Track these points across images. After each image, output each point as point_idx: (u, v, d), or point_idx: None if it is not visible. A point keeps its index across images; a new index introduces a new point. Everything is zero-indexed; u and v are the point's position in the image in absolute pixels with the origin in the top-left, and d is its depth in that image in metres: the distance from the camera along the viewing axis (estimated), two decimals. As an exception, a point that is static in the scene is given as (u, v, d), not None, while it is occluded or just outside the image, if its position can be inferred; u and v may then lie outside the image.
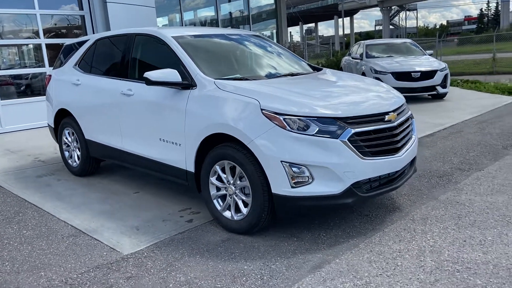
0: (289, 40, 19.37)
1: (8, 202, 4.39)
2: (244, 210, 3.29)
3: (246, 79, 3.68)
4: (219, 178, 3.44)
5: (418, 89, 10.06)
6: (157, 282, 2.71)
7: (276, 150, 3.02)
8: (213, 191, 3.50)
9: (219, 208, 3.47)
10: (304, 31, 70.11)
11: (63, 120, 5.21)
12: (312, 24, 77.10)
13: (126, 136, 4.26)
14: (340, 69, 14.00)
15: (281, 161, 3.00)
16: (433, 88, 9.99)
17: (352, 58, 12.32)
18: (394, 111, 3.36)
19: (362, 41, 13.24)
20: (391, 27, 59.90)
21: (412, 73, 9.95)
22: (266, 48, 4.62)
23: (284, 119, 3.03)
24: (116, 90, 4.28)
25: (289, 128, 3.01)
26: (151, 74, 3.55)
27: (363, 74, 10.80)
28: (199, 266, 2.89)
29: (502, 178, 4.41)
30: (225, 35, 4.49)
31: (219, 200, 3.49)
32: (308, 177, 3.02)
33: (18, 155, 6.38)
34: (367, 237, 3.24)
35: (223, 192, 3.44)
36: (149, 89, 3.87)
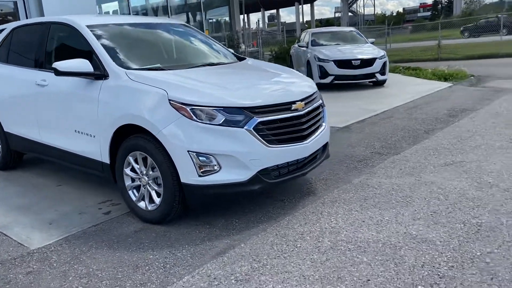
0: (241, 27, 19.28)
1: None
2: (157, 200, 3.35)
3: (162, 69, 3.70)
4: (133, 169, 3.47)
5: (359, 76, 10.37)
6: (57, 276, 2.73)
7: (183, 140, 3.08)
8: (128, 182, 3.52)
9: (134, 198, 3.51)
10: (266, 18, 69.80)
11: (-19, 113, 5.03)
12: (274, 11, 76.92)
13: (43, 128, 4.19)
14: (290, 56, 14.19)
15: (188, 151, 3.07)
16: (372, 75, 10.33)
17: (299, 46, 12.50)
18: (301, 100, 3.49)
19: (309, 29, 13.46)
20: (350, 14, 60.79)
21: (352, 61, 10.23)
22: (190, 38, 4.64)
23: (191, 109, 3.09)
24: (32, 80, 4.19)
25: (195, 119, 3.07)
26: (59, 64, 3.50)
27: (308, 62, 11.02)
28: (104, 258, 2.93)
29: (414, 161, 4.68)
30: (147, 24, 4.47)
31: (134, 191, 3.53)
32: (215, 165, 3.11)
33: None
34: (276, 221, 3.38)
35: (137, 183, 3.48)
36: (62, 80, 3.82)
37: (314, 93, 3.78)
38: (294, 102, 3.42)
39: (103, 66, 3.59)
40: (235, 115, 3.14)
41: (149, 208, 3.41)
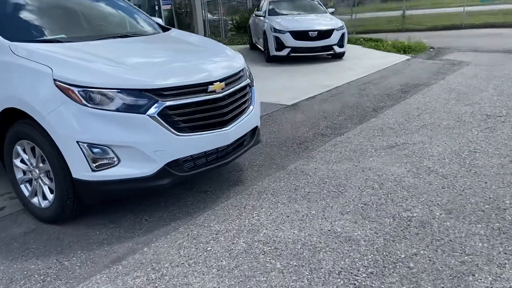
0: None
1: None
2: (50, 197, 2.89)
3: (59, 42, 3.16)
4: (23, 161, 2.98)
5: (317, 49, 9.93)
6: None
7: (71, 129, 2.61)
8: (19, 175, 3.05)
9: (26, 194, 3.04)
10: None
11: None
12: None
13: None
14: (248, 27, 13.56)
15: (78, 142, 2.60)
16: (330, 47, 9.90)
17: (256, 15, 11.90)
18: (221, 80, 3.05)
19: (267, -3, 12.82)
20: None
21: (309, 32, 9.76)
22: (107, 5, 4.06)
23: (79, 91, 2.61)
24: None
25: (85, 103, 2.60)
26: None
27: (264, 32, 10.47)
28: (-26, 269, 2.48)
29: (356, 143, 4.37)
30: None
31: (28, 185, 3.05)
32: (113, 158, 2.67)
33: None
34: (192, 218, 3.01)
35: (29, 176, 3.00)
36: None
37: (238, 72, 3.34)
38: (211, 83, 2.97)
39: (-12, 37, 3.02)
40: (135, 99, 2.68)
41: (42, 205, 2.95)
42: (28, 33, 3.18)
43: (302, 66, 9.40)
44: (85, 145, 2.60)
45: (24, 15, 3.39)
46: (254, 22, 12.39)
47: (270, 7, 11.43)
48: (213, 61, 3.33)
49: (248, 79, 3.45)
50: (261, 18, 11.26)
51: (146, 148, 2.69)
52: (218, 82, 3.02)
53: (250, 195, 3.32)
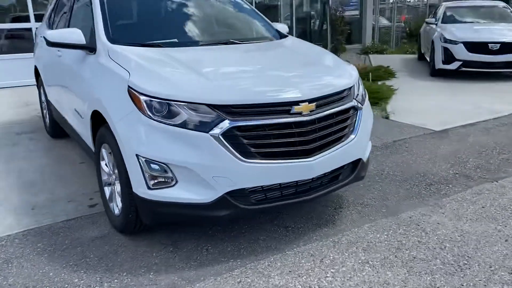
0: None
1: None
2: (120, 206, 2.78)
3: (159, 46, 3.04)
4: (107, 164, 2.95)
5: (497, 65, 8.21)
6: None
7: (132, 140, 2.42)
8: (104, 177, 3.02)
9: (107, 197, 3.00)
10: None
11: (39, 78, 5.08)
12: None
13: (61, 101, 3.95)
14: (419, 35, 12.18)
15: (137, 155, 2.39)
16: (515, 64, 8.08)
17: (427, 22, 10.54)
18: (311, 101, 2.48)
19: (447, 2, 11.23)
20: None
21: (489, 44, 8.12)
22: (223, 8, 3.85)
23: (145, 100, 2.39)
24: (55, 49, 3.93)
25: (149, 114, 2.37)
26: (50, 34, 3.11)
27: (432, 42, 9.16)
28: (27, 272, 2.47)
29: (511, 197, 3.23)
30: None
31: (109, 188, 3.02)
32: (171, 178, 2.38)
33: (27, 109, 6.52)
34: (255, 260, 2.53)
35: (109, 180, 2.95)
36: (69, 51, 3.45)
37: (340, 92, 2.70)
38: (296, 103, 2.44)
39: (94, 38, 3.09)
40: (202, 114, 2.34)
41: (115, 212, 2.86)
42: (131, 36, 3.15)
43: (471, 84, 7.89)
44: (143, 159, 2.37)
45: (139, 17, 3.41)
46: (425, 30, 11.01)
47: (447, 13, 9.97)
48: (311, 76, 2.77)
49: (354, 100, 2.77)
50: (433, 26, 9.90)
51: (203, 172, 2.32)
52: (307, 103, 2.46)
53: (336, 244, 2.67)
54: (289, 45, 3.48)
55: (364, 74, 8.30)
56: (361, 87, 3.02)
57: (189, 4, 3.65)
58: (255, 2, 13.30)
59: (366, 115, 2.90)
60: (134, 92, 2.43)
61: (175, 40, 3.20)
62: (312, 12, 14.73)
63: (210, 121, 2.32)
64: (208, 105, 2.33)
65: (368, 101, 3.07)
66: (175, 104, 2.35)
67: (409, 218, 2.99)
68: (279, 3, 13.83)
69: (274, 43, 3.50)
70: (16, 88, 7.91)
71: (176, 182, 2.38)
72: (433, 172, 3.79)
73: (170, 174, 2.37)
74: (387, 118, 5.64)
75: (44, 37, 3.14)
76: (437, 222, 2.91)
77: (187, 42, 3.22)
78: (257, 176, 2.39)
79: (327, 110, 2.57)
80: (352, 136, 2.72)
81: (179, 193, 2.38)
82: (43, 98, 5.07)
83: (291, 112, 2.42)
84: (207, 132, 2.30)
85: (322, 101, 2.55)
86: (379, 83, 7.88)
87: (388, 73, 8.84)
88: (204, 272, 2.43)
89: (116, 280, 2.37)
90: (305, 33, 14.95)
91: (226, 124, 2.30)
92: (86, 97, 3.03)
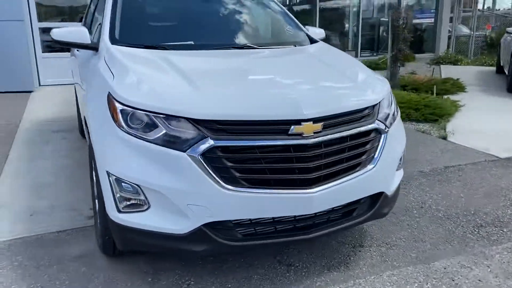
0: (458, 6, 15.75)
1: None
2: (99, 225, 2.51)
3: (164, 49, 2.75)
4: (97, 175, 2.70)
5: None
6: None
7: (104, 154, 2.13)
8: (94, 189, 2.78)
9: (97, 211, 2.74)
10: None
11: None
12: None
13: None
14: (499, 46, 10.94)
15: (107, 172, 2.09)
16: None
17: (508, 32, 9.41)
18: (317, 120, 2.03)
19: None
20: None
21: None
22: (250, 10, 3.48)
23: (121, 110, 2.08)
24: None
25: (123, 125, 2.06)
26: (55, 32, 2.93)
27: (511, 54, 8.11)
28: (-7, 286, 2.28)
29: None
30: None
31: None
32: (143, 201, 2.06)
33: (73, 108, 6.59)
34: (241, 305, 2.13)
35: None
36: (82, 50, 3.30)
37: (358, 110, 2.20)
38: (297, 122, 2.00)
39: (99, 38, 2.88)
40: (180, 129, 1.98)
41: (98, 230, 2.59)
42: (138, 37, 2.89)
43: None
44: (114, 178, 2.07)
45: (147, 18, 3.15)
46: (505, 41, 9.84)
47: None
48: (324, 90, 2.32)
49: (377, 121, 2.26)
50: (512, 34, 8.81)
51: (177, 198, 1.97)
52: (310, 123, 2.01)
53: (342, 296, 2.18)
54: (313, 52, 3.02)
55: (428, 86, 7.52)
56: (393, 105, 2.50)
57: (208, 5, 3.33)
58: (319, 9, 12.86)
59: (395, 140, 2.38)
60: (112, 99, 2.14)
61: (183, 42, 2.89)
62: (370, 19, 14.02)
63: (190, 138, 1.96)
64: (188, 119, 1.97)
65: (400, 121, 2.54)
66: (152, 116, 2.02)
67: (443, 269, 2.41)
68: (341, 8, 13.28)
69: (297, 49, 3.07)
70: (68, 85, 8.12)
71: (149, 206, 2.05)
72: (486, 211, 3.12)
73: (142, 197, 2.04)
74: (444, 138, 4.93)
75: (50, 34, 2.98)
76: (479, 278, 2.31)
77: (196, 45, 2.89)
78: (241, 207, 1.99)
79: (338, 132, 2.10)
80: (371, 166, 2.21)
81: (151, 220, 2.04)
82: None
83: (290, 132, 1.99)
84: (184, 151, 1.94)
85: (331, 121, 2.09)
86: (444, 97, 7.07)
87: (456, 87, 7.93)
88: (175, 313, 2.08)
89: (76, 312, 2.09)
90: (368, 41, 14.22)
91: (207, 143, 1.93)
92: (82, 101, 2.82)
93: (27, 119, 5.88)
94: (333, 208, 2.16)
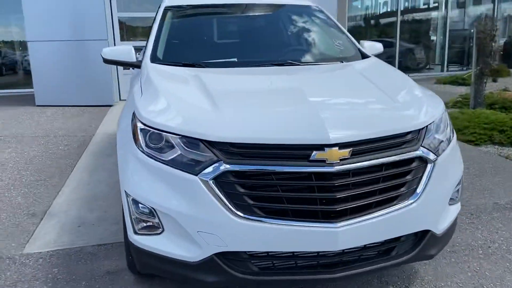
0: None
1: (48, 164, 4.69)
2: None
3: (201, 67, 2.69)
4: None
5: None
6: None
7: (123, 174, 2.09)
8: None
9: (130, 228, 2.75)
10: None
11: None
12: None
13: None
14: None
15: (125, 192, 2.05)
16: None
17: None
18: (344, 146, 1.80)
19: None
20: None
21: None
22: (300, 26, 3.30)
23: (141, 129, 2.04)
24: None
25: (141, 145, 2.01)
26: (106, 51, 3.04)
27: None
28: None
29: None
30: (246, 5, 3.38)
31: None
32: (158, 224, 1.98)
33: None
34: None
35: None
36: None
37: (396, 135, 1.92)
38: (320, 147, 1.79)
39: (143, 56, 2.92)
40: (194, 151, 1.88)
41: (128, 248, 2.57)
42: (178, 55, 2.88)
43: None
44: (131, 198, 2.02)
45: (191, 36, 3.13)
46: None
47: None
48: (360, 111, 2.07)
49: (421, 148, 1.95)
50: None
51: (187, 224, 1.85)
52: (336, 148, 1.78)
53: None
54: (359, 68, 2.74)
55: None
56: (448, 129, 2.17)
57: (251, 21, 3.23)
58: (400, 21, 12.28)
59: (447, 169, 2.04)
60: (135, 117, 2.11)
61: (221, 60, 2.81)
62: (459, 31, 13.08)
63: (203, 160, 1.84)
64: (203, 141, 1.86)
65: (456, 147, 2.19)
66: (170, 136, 1.94)
67: (506, 328, 1.99)
68: (426, 20, 12.54)
69: (342, 65, 2.83)
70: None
71: (163, 230, 1.96)
72: None
73: (156, 220, 1.96)
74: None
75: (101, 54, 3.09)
76: None
77: (233, 62, 2.80)
78: (255, 238, 1.82)
79: (370, 160, 1.84)
80: (412, 200, 1.90)
81: (164, 245, 1.95)
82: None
83: (311, 159, 1.78)
84: (196, 175, 1.82)
85: (362, 147, 1.84)
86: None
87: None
88: None
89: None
90: (457, 54, 13.23)
91: (221, 166, 1.80)
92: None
93: (101, 132, 6.24)
94: (365, 245, 1.90)
